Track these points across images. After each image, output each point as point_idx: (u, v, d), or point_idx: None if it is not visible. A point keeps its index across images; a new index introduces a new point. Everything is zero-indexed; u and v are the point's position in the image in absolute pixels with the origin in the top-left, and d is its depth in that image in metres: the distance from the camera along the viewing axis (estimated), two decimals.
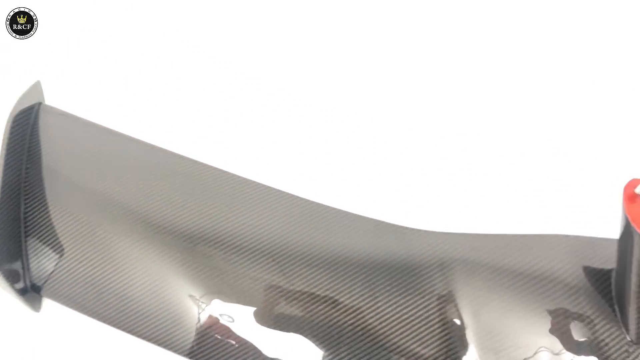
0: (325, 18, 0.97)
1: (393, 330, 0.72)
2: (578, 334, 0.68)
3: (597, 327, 0.68)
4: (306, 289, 0.75)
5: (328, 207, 0.81)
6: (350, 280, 0.75)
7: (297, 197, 0.82)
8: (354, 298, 0.74)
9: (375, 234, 0.79)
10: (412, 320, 0.72)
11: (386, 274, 0.75)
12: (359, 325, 0.73)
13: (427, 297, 0.73)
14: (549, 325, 0.69)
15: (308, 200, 0.81)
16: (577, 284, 0.71)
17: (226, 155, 0.87)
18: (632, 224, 0.62)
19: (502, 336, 0.70)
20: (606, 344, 0.67)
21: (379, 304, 0.74)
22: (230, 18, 0.99)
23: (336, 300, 0.74)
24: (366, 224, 0.80)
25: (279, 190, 0.82)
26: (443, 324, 0.72)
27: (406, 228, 0.79)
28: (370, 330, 0.72)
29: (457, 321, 0.71)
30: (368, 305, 0.74)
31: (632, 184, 0.65)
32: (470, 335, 0.70)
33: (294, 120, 0.91)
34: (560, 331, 0.69)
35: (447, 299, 0.72)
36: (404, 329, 0.72)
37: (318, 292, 0.74)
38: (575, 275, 0.72)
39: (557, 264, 0.73)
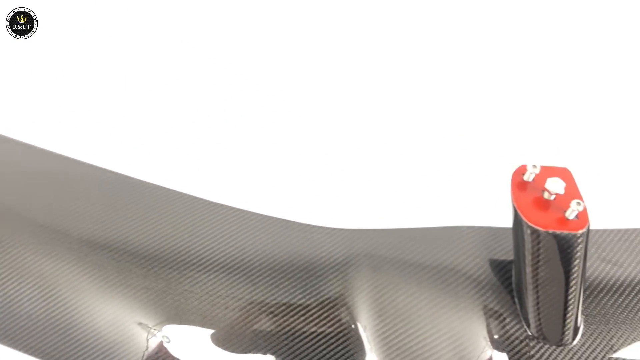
0: (323, 19, 0.96)
1: (297, 333, 0.69)
2: (482, 330, 0.65)
3: (500, 322, 0.66)
4: (206, 295, 0.71)
5: (231, 208, 0.78)
6: (252, 284, 0.72)
7: (199, 198, 0.79)
8: (256, 302, 0.71)
9: (279, 233, 0.76)
10: (317, 323, 0.69)
11: (290, 275, 0.72)
12: (261, 330, 0.69)
13: (330, 298, 0.70)
14: (454, 321, 0.66)
15: (210, 202, 0.78)
16: (481, 277, 0.69)
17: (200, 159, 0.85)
18: (520, 213, 0.59)
19: (408, 334, 0.67)
20: (507, 339, 0.65)
21: (281, 308, 0.70)
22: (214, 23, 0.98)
23: (237, 306, 0.71)
24: (270, 223, 0.77)
25: (176, 192, 0.79)
26: (347, 324, 0.68)
27: (311, 226, 0.76)
28: (272, 334, 0.69)
29: (361, 321, 0.68)
30: (270, 309, 0.70)
31: (520, 170, 0.62)
32: (375, 335, 0.67)
33: (280, 119, 0.89)
34: (464, 326, 0.66)
35: (350, 299, 0.69)
36: (308, 332, 0.69)
37: (218, 298, 0.71)
38: (479, 267, 0.70)
39: (461, 256, 0.71)
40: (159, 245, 0.74)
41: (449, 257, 0.71)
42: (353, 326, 0.67)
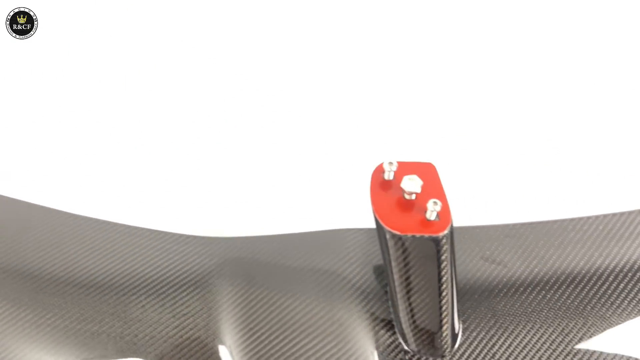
0: (323, 19, 0.92)
1: (161, 355, 0.62)
2: (361, 343, 0.60)
3: (378, 335, 0.60)
4: (61, 319, 0.64)
5: (97, 220, 0.71)
6: (115, 304, 0.65)
7: (59, 211, 0.72)
8: (120, 322, 0.64)
9: (147, 245, 0.70)
10: (179, 343, 0.63)
11: (154, 290, 0.66)
12: (125, 353, 0.63)
13: (195, 314, 0.64)
14: (330, 335, 0.61)
15: (72, 214, 0.72)
16: (358, 283, 0.64)
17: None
18: (378, 216, 0.54)
19: (281, 353, 0.61)
20: (383, 353, 0.59)
21: (146, 327, 0.64)
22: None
23: (95, 330, 0.64)
24: (138, 235, 0.71)
25: (29, 204, 0.72)
26: (211, 344, 0.62)
27: (185, 236, 0.70)
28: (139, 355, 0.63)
29: (227, 340, 0.62)
30: (135, 330, 0.64)
31: (379, 169, 0.56)
32: (243, 357, 0.61)
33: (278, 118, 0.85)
34: (340, 339, 0.60)
35: (217, 315, 0.63)
36: (169, 353, 0.62)
37: (73, 323, 0.64)
38: (356, 274, 0.64)
39: (339, 261, 0.66)
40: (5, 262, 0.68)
41: (327, 263, 0.66)
42: (217, 347, 0.62)
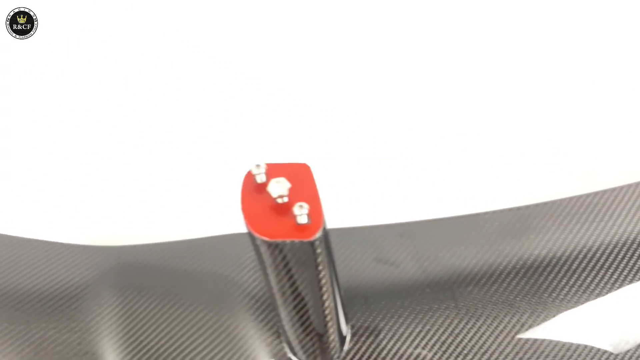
0: (324, 18, 0.89)
1: None
2: (256, 353, 0.58)
3: (271, 344, 0.58)
4: None
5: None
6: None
7: None
8: (6, 342, 0.61)
9: (33, 256, 0.67)
10: (72, 356, 0.60)
11: (46, 304, 0.63)
12: None
13: (86, 325, 0.61)
14: (224, 344, 0.59)
15: None
16: (251, 288, 0.62)
17: None
18: (246, 221, 0.51)
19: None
20: None
21: (34, 344, 0.61)
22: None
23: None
24: (27, 246, 0.68)
25: None
26: (105, 352, 0.60)
27: (68, 245, 0.68)
28: None
29: (120, 350, 0.59)
30: (21, 348, 0.61)
31: (251, 172, 0.54)
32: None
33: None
34: (233, 346, 0.59)
35: (95, 332, 0.61)
36: None
37: None
38: (248, 278, 0.62)
39: (231, 266, 0.64)
40: None
41: (219, 269, 0.64)
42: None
